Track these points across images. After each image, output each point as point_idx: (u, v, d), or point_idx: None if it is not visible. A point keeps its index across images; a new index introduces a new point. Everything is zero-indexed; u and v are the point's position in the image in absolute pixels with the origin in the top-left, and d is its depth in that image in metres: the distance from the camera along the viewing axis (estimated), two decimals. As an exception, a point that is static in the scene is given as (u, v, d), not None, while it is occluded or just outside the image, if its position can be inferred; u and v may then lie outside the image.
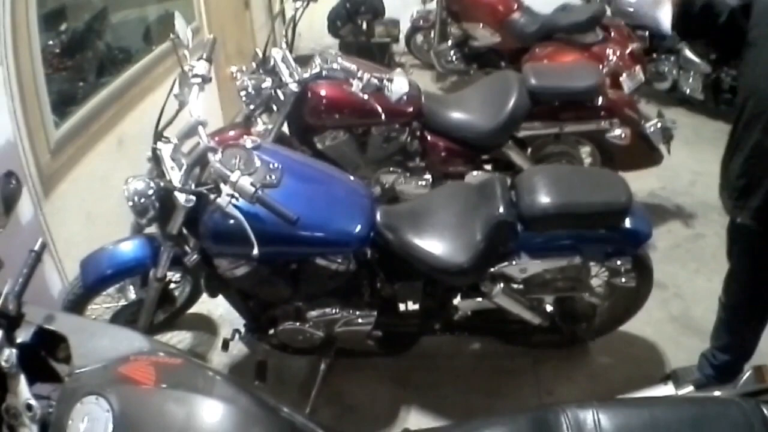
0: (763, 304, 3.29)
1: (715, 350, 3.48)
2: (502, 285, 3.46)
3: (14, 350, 1.76)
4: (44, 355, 1.94)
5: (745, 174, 2.96)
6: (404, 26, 8.95)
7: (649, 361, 3.99)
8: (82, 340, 1.94)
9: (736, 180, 3.02)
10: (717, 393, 2.04)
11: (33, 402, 1.73)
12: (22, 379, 1.76)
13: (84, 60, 4.72)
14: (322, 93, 4.45)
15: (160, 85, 5.11)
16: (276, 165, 3.11)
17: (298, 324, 3.48)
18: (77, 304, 3.56)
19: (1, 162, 3.29)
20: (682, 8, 3.03)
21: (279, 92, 4.49)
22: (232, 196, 2.77)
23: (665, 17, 3.22)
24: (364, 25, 8.80)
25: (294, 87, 4.38)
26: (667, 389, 3.56)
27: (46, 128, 3.87)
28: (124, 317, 3.65)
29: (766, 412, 1.71)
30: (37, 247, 2.04)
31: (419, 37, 8.95)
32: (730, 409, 1.76)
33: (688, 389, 3.51)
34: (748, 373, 1.94)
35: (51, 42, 4.30)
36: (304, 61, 4.65)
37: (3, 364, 1.74)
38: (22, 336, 1.86)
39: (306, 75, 4.41)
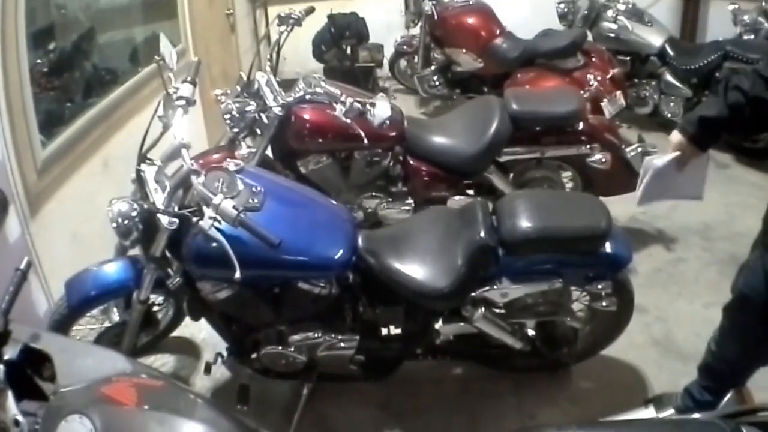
0: (760, 357, 3.24)
1: (701, 388, 3.44)
2: (483, 309, 3.47)
3: (1, 366, 1.78)
4: (30, 373, 1.95)
5: None
6: (388, 51, 8.98)
7: (631, 385, 4.00)
8: (67, 359, 1.95)
9: None
10: (697, 416, 2.05)
11: (20, 418, 1.74)
12: (10, 395, 1.77)
13: (71, 80, 4.71)
14: (306, 117, 4.47)
15: (146, 107, 5.12)
16: (259, 189, 3.13)
17: (280, 348, 3.48)
18: (62, 324, 3.56)
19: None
20: (687, 134, 3.04)
21: (263, 116, 4.51)
22: (215, 219, 2.78)
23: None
24: (349, 50, 8.85)
25: (278, 111, 4.40)
26: (648, 413, 3.57)
27: (33, 148, 3.88)
28: (108, 339, 3.64)
29: (745, 432, 1.71)
30: (22, 266, 2.06)
31: (403, 62, 8.97)
32: (710, 430, 1.77)
33: (669, 412, 3.51)
34: (728, 395, 1.95)
35: (39, 60, 4.30)
36: (288, 85, 4.67)
37: None
38: (9, 353, 1.87)
39: (290, 99, 4.44)
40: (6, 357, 1.85)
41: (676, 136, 3.07)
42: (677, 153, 3.09)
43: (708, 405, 3.32)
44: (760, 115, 2.87)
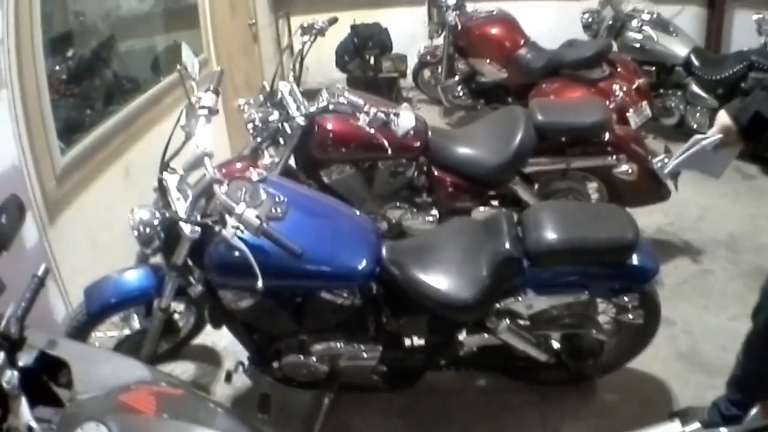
0: None
1: (729, 402, 3.40)
2: (508, 321, 3.44)
3: (16, 372, 1.76)
4: (46, 380, 1.93)
5: None
6: (412, 61, 8.94)
7: (657, 398, 3.94)
8: (84, 366, 1.94)
9: None
10: (723, 430, 2.02)
11: (34, 425, 1.73)
12: (24, 402, 1.76)
13: (91, 87, 4.73)
14: (329, 127, 4.46)
15: (167, 116, 5.12)
16: (282, 198, 3.11)
17: (302, 357, 3.46)
18: (81, 331, 3.55)
19: (5, 186, 3.29)
20: (739, 124, 3.00)
21: (286, 125, 4.51)
22: (237, 228, 2.75)
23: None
24: (372, 60, 8.85)
25: (301, 120, 4.40)
26: (674, 426, 3.53)
27: (51, 154, 3.88)
28: (128, 346, 3.63)
29: (771, 448, 1.69)
30: (40, 273, 2.04)
31: (426, 73, 8.92)
32: (736, 444, 1.74)
33: (694, 427, 3.47)
34: (755, 410, 1.92)
35: (57, 67, 4.31)
36: (311, 95, 4.66)
37: (5, 385, 1.73)
38: (24, 359, 1.86)
39: (313, 109, 4.43)
40: (21, 363, 1.83)
41: (725, 119, 3.03)
42: (721, 135, 3.05)
43: (735, 419, 3.30)
44: None
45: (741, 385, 3.33)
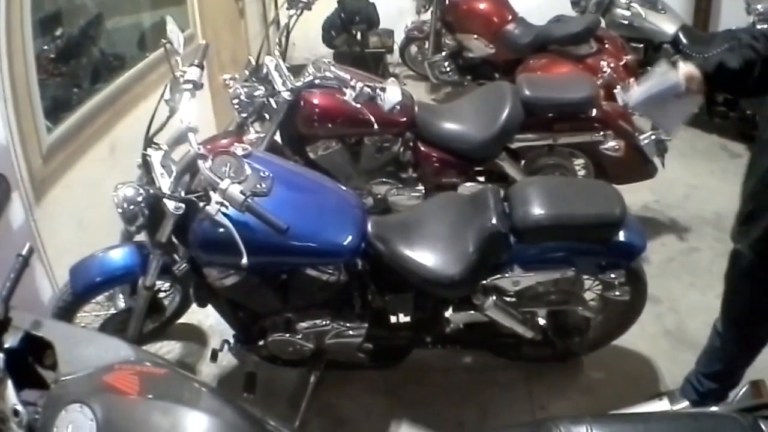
0: (760, 334, 3.23)
1: (702, 377, 3.42)
2: (494, 298, 3.43)
3: (1, 355, 1.75)
4: (31, 361, 1.91)
5: (752, 199, 2.93)
6: (399, 37, 8.93)
7: (644, 375, 3.97)
8: (69, 347, 1.93)
9: (743, 204, 2.99)
10: (714, 408, 2.01)
11: (20, 407, 1.72)
12: (10, 384, 1.75)
13: (79, 66, 4.69)
14: (315, 102, 4.43)
15: (153, 92, 5.05)
16: (267, 174, 3.07)
17: (288, 335, 3.45)
18: (67, 311, 3.53)
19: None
20: (704, 71, 3.03)
21: (272, 101, 4.47)
22: (222, 204, 2.73)
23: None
24: (359, 36, 8.79)
25: (286, 95, 4.36)
26: (662, 405, 3.53)
27: (38, 133, 3.84)
28: (114, 325, 3.63)
29: (763, 427, 1.68)
30: (24, 252, 2.02)
31: (413, 48, 8.90)
32: (727, 424, 1.73)
33: (683, 405, 3.47)
34: (744, 388, 1.90)
35: (46, 47, 4.27)
36: (297, 70, 4.62)
37: None
38: (10, 341, 1.85)
39: (299, 83, 4.39)
40: (6, 345, 1.82)
41: (690, 67, 3.07)
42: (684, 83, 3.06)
43: (709, 394, 3.35)
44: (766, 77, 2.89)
45: (720, 355, 3.37)
